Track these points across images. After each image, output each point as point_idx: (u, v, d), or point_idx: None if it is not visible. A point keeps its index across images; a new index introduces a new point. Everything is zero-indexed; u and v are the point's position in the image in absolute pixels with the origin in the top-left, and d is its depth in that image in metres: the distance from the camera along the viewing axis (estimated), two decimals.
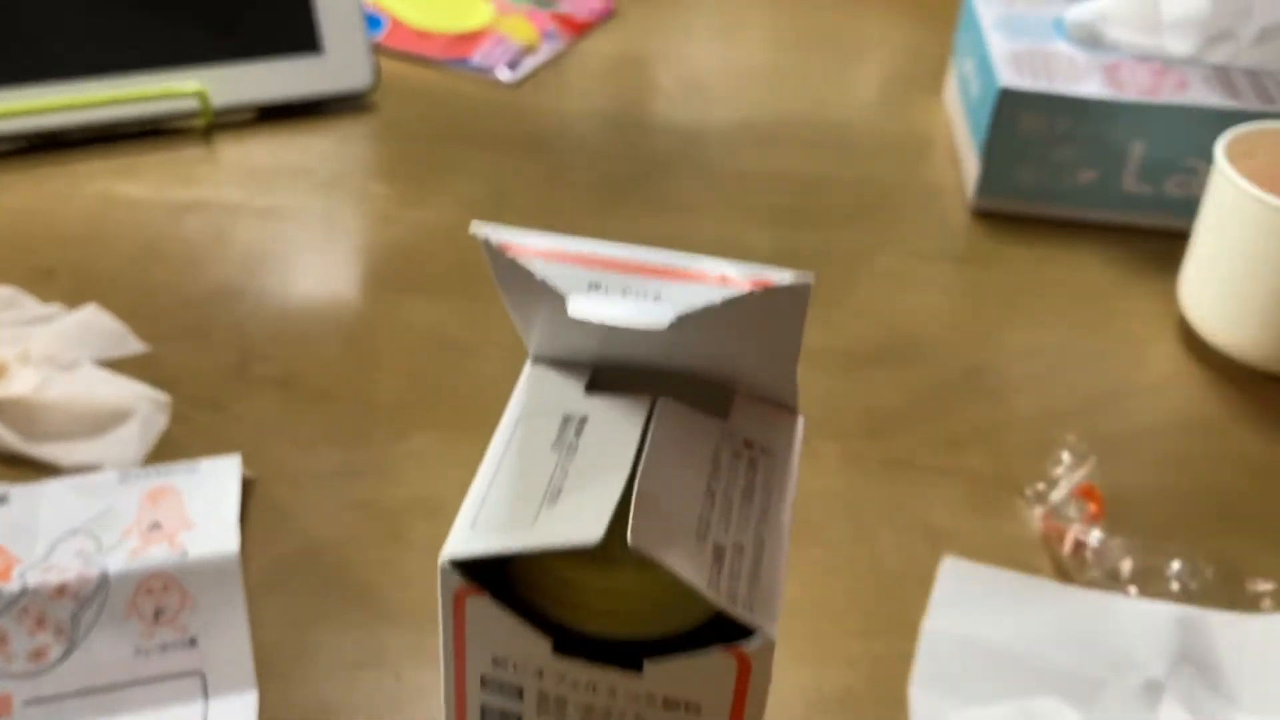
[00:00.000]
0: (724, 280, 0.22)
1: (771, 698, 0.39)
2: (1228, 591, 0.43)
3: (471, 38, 0.78)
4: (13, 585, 0.37)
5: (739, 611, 0.24)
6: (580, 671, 0.25)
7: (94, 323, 0.51)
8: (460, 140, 0.68)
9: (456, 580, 0.25)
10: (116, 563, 0.38)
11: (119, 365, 0.50)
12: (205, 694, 0.37)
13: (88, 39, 0.65)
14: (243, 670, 0.37)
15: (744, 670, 0.24)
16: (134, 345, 0.51)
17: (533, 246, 0.25)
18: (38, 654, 0.37)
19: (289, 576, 0.42)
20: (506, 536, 0.24)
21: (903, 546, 0.45)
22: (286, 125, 0.68)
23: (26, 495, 0.41)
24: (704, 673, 0.24)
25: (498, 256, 0.25)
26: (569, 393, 0.29)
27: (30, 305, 0.53)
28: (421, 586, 0.42)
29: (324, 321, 0.54)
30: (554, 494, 0.25)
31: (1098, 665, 0.39)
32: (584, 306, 0.22)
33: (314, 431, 0.48)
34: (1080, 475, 0.46)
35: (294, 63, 0.68)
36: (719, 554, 0.25)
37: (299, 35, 0.68)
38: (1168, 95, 0.61)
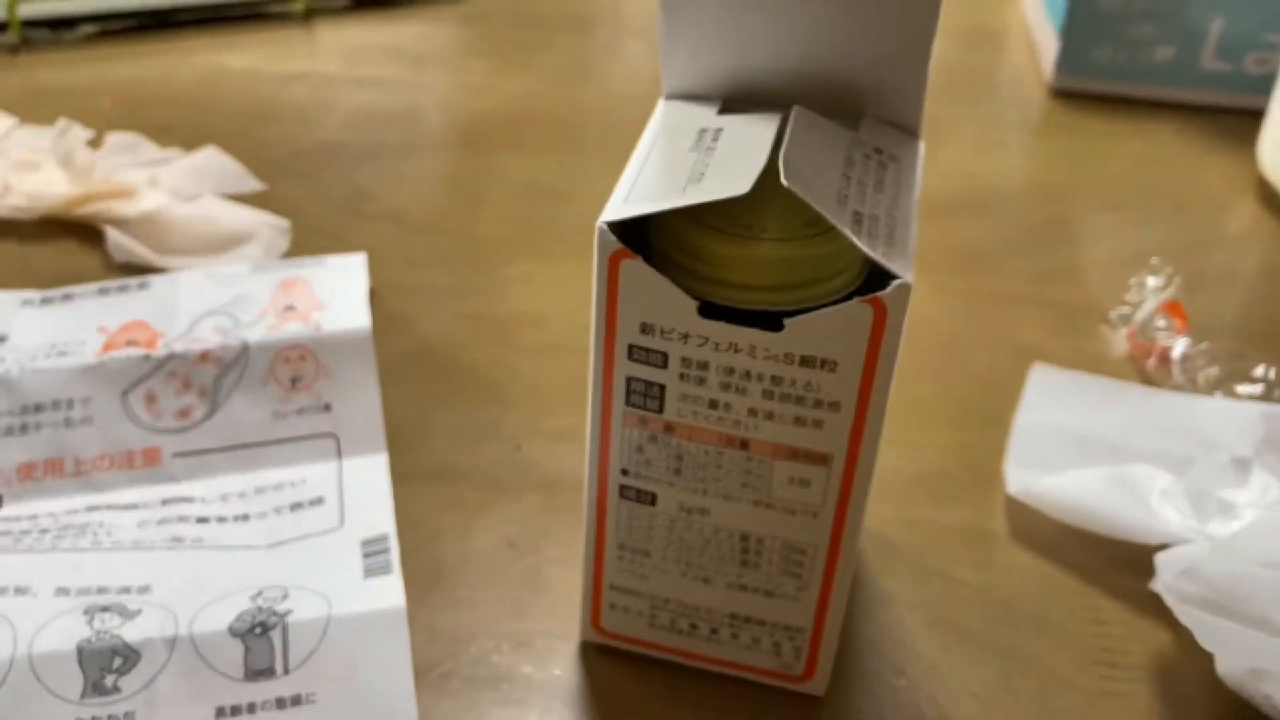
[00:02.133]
0: None
1: None
2: None
3: None
4: (159, 352, 0.40)
5: (878, 255, 0.26)
6: (723, 334, 0.27)
7: (213, 161, 0.54)
8: (551, 25, 0.71)
9: (613, 243, 0.27)
10: (255, 335, 0.40)
11: (238, 200, 0.53)
12: (339, 454, 0.39)
13: None
14: (374, 434, 0.40)
15: (879, 319, 0.26)
16: (252, 184, 0.54)
17: None
18: (183, 412, 0.39)
19: (409, 368, 0.44)
20: (660, 202, 0.26)
21: (993, 361, 0.46)
22: (378, 12, 0.71)
23: (166, 282, 0.43)
24: (841, 326, 0.26)
25: None
26: (703, 114, 0.30)
27: (151, 149, 0.55)
28: (531, 378, 0.44)
29: (426, 172, 0.57)
30: (697, 176, 0.27)
31: (1187, 447, 0.40)
32: None
33: (425, 256, 0.50)
34: (1166, 295, 0.47)
35: None
36: (858, 217, 0.26)
37: None
38: None
